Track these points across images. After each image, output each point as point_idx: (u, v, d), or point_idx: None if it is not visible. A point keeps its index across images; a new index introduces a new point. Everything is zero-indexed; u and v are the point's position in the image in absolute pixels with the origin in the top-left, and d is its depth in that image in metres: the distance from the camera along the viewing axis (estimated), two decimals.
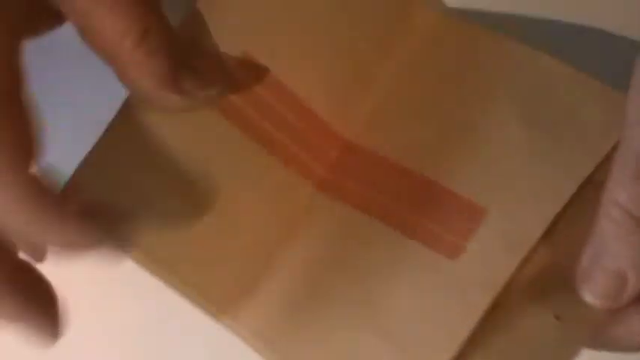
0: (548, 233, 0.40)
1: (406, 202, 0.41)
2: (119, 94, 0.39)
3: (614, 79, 0.40)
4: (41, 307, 0.36)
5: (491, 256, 0.40)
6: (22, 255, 0.37)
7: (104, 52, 0.37)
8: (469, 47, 0.43)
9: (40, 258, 0.37)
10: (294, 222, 0.42)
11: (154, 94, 0.38)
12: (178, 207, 0.40)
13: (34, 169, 0.35)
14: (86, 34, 0.37)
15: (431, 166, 0.41)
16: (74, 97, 0.46)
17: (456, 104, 0.42)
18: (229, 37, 0.40)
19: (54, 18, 0.38)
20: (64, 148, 0.38)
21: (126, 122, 0.39)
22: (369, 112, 0.43)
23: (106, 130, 0.39)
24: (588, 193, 0.40)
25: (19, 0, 0.36)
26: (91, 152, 0.39)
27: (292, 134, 0.42)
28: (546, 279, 0.40)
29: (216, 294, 0.41)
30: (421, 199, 0.41)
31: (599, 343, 0.39)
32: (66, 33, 0.38)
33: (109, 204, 0.38)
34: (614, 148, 0.38)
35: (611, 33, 0.45)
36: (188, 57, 0.38)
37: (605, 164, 0.40)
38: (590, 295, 0.38)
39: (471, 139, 0.41)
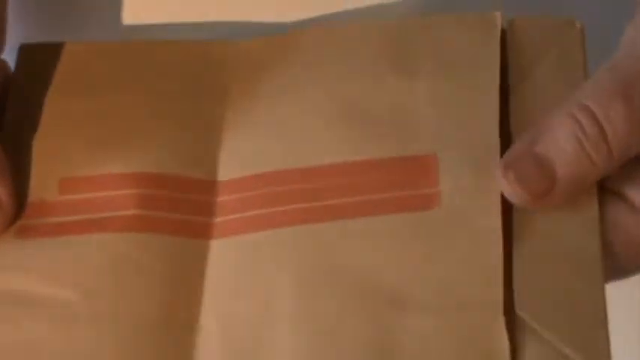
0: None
1: (330, 191, 0.39)
2: None
3: None
4: None
5: (468, 187, 0.38)
6: None
7: None
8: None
9: None
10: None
11: None
12: None
13: None
14: None
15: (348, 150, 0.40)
16: None
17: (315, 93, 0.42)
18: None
19: None
20: None
21: None
22: (227, 152, 0.41)
23: None
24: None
25: None
26: None
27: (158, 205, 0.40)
28: None
29: None
30: (357, 179, 0.39)
31: None
32: None
33: None
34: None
35: None
36: None
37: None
38: (514, 185, 0.37)
39: (359, 115, 0.41)
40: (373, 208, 0.38)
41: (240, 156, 0.41)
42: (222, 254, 0.39)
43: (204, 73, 0.43)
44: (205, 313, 0.37)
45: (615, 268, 0.38)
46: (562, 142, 0.36)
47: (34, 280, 0.38)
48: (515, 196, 0.37)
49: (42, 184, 0.41)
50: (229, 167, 0.41)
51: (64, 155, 0.41)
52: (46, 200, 0.40)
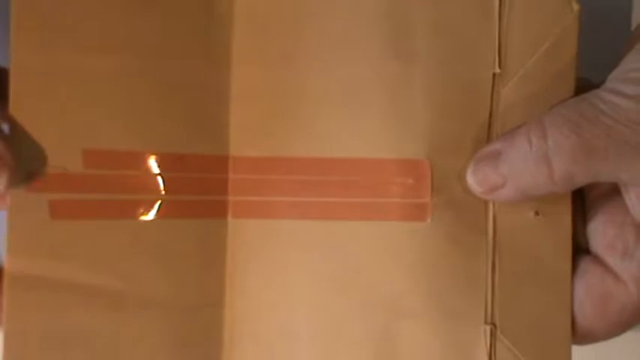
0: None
1: (335, 188, 0.41)
2: None
3: None
4: None
5: (458, 202, 0.40)
6: None
7: None
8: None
9: None
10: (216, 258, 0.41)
11: None
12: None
13: None
14: None
15: (337, 146, 0.41)
16: None
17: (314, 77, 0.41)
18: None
19: None
20: None
21: None
22: (236, 125, 0.41)
23: None
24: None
25: None
26: None
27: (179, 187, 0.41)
28: None
29: None
30: (351, 179, 0.41)
31: None
32: None
33: None
34: None
35: None
36: None
37: None
38: (472, 178, 0.40)
39: (354, 104, 0.41)
40: (373, 212, 0.41)
41: (251, 133, 0.41)
42: (239, 234, 0.41)
43: (207, 29, 0.41)
44: (229, 290, 0.41)
45: (583, 328, 0.41)
46: (515, 153, 0.39)
47: (77, 268, 0.39)
48: (471, 187, 0.40)
49: (63, 153, 0.39)
50: (240, 143, 0.41)
51: (83, 123, 0.39)
52: (69, 172, 0.39)
